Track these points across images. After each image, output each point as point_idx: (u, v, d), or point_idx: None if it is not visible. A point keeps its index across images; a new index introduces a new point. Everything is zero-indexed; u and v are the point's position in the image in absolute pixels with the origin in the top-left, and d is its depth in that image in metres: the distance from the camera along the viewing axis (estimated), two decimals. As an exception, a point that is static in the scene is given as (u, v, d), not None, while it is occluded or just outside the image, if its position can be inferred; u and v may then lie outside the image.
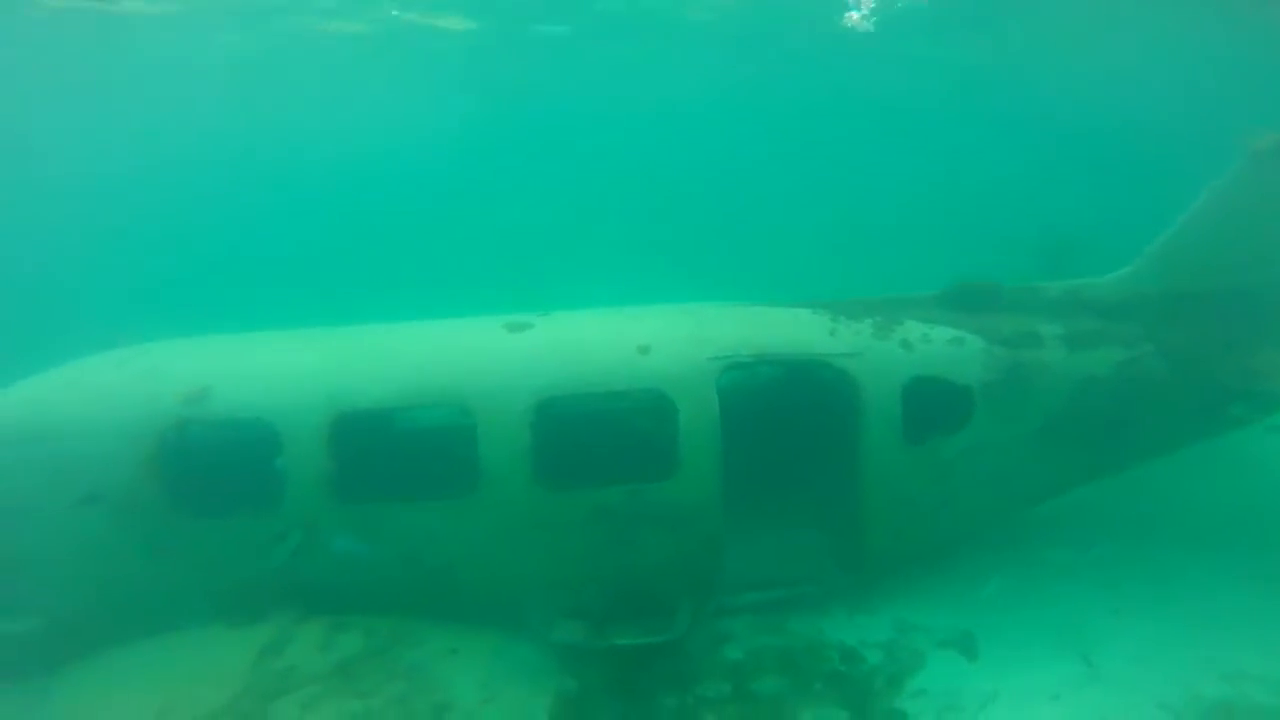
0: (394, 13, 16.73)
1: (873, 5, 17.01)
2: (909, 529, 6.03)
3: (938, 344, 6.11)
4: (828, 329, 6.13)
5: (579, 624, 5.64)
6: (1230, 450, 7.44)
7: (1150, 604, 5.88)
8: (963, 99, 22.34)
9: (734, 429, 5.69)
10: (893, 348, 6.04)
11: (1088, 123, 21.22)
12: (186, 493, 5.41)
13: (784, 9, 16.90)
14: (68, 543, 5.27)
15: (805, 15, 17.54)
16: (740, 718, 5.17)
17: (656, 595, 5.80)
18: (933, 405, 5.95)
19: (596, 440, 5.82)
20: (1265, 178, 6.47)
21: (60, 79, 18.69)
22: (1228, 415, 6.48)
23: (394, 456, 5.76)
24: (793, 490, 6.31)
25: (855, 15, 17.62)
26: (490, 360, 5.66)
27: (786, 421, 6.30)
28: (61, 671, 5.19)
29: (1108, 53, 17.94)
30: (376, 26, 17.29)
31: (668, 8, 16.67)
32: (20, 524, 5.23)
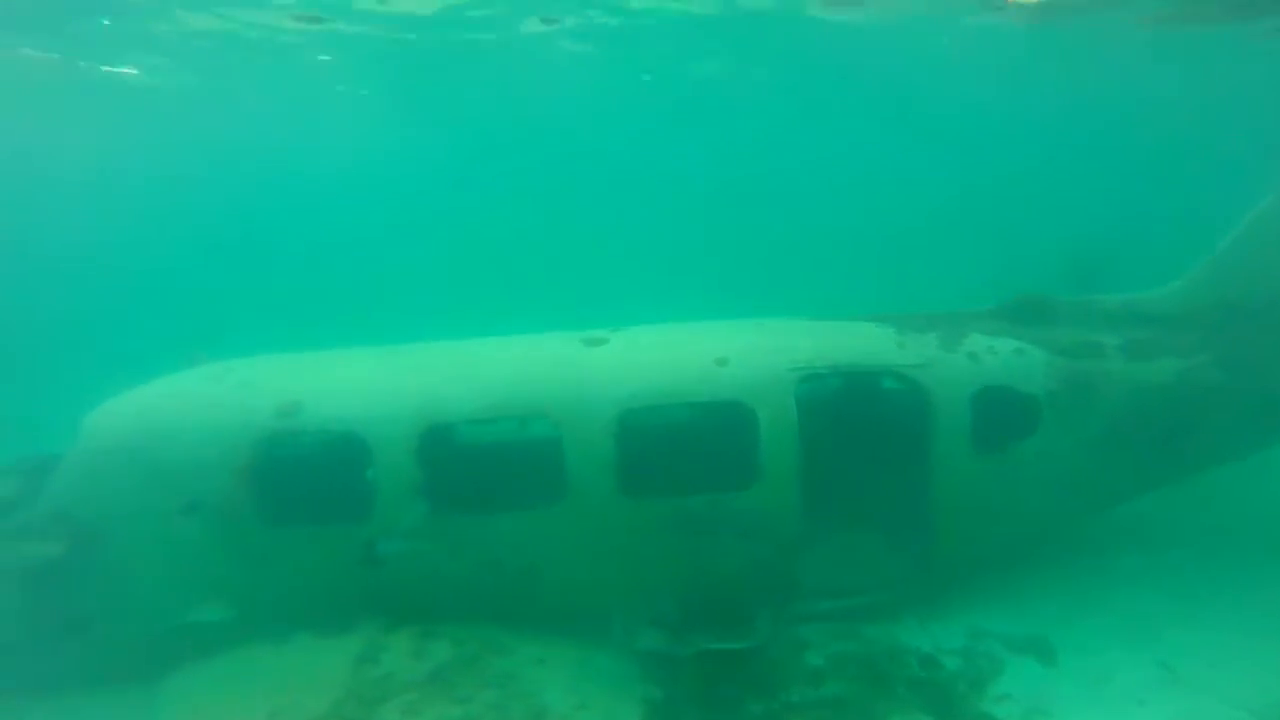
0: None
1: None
2: (978, 536, 6.13)
3: (1002, 355, 6.26)
4: (896, 341, 6.28)
5: (661, 632, 5.72)
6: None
7: (1223, 609, 5.96)
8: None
9: (810, 438, 5.82)
10: (960, 359, 6.19)
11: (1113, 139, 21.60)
12: (279, 503, 5.53)
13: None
14: (172, 548, 5.39)
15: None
16: (829, 722, 5.25)
17: (736, 603, 5.89)
18: (1000, 414, 6.08)
19: (678, 450, 5.94)
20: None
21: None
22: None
23: (481, 467, 5.87)
24: (865, 498, 6.42)
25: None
26: (573, 373, 5.79)
27: (860, 431, 6.42)
28: (166, 675, 5.28)
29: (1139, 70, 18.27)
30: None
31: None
32: (131, 528, 5.34)
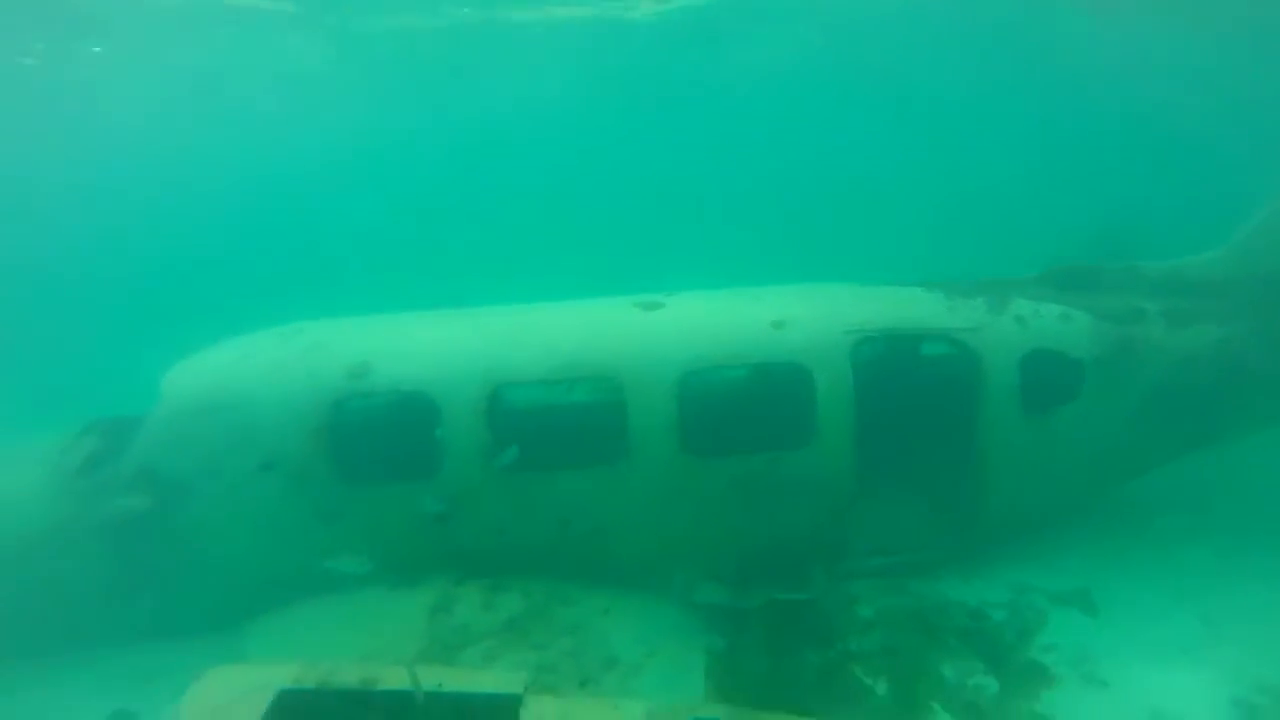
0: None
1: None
2: (1024, 497, 6.32)
3: (1048, 319, 6.39)
4: (945, 306, 6.41)
5: (720, 586, 5.94)
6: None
7: (1262, 567, 6.18)
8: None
9: (864, 399, 5.98)
10: (1008, 323, 6.32)
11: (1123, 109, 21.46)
12: (351, 461, 5.70)
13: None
14: (249, 504, 5.57)
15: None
16: (887, 670, 5.47)
17: (791, 558, 6.10)
18: (1047, 377, 6.24)
19: (737, 410, 6.11)
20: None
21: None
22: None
23: (547, 427, 6.04)
24: (915, 458, 6.60)
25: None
26: (635, 336, 5.93)
27: (912, 392, 6.59)
28: (246, 626, 5.50)
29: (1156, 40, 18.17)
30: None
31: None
32: (211, 484, 5.53)
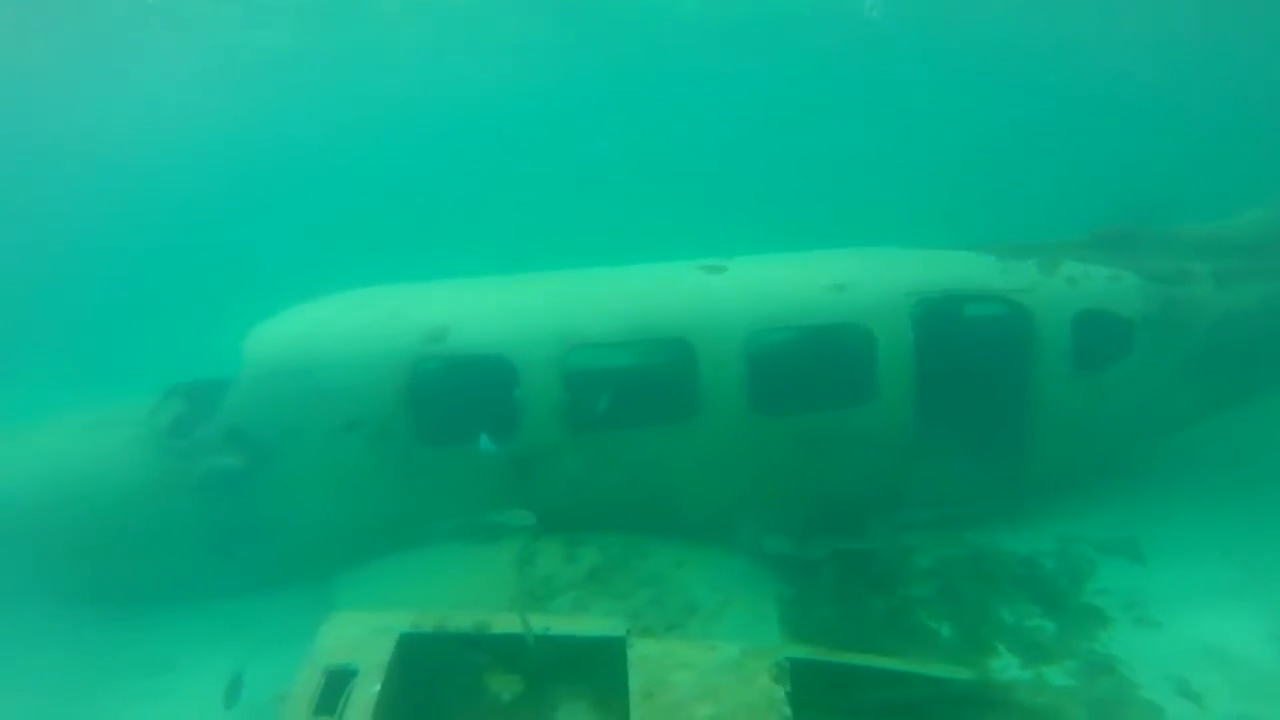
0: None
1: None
2: (1074, 452, 6.57)
3: (1099, 280, 6.57)
4: (998, 267, 6.58)
5: (786, 537, 6.20)
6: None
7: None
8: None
9: (923, 358, 6.19)
10: (1060, 283, 6.50)
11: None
12: (431, 422, 5.89)
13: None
14: (334, 463, 5.78)
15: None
16: (949, 614, 5.76)
17: (851, 511, 6.36)
18: (1098, 336, 6.45)
19: (802, 370, 6.31)
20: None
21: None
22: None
23: (620, 386, 6.22)
24: (971, 415, 6.83)
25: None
26: (703, 297, 6.10)
27: (968, 351, 6.79)
28: (332, 579, 5.74)
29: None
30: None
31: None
32: (298, 444, 5.72)
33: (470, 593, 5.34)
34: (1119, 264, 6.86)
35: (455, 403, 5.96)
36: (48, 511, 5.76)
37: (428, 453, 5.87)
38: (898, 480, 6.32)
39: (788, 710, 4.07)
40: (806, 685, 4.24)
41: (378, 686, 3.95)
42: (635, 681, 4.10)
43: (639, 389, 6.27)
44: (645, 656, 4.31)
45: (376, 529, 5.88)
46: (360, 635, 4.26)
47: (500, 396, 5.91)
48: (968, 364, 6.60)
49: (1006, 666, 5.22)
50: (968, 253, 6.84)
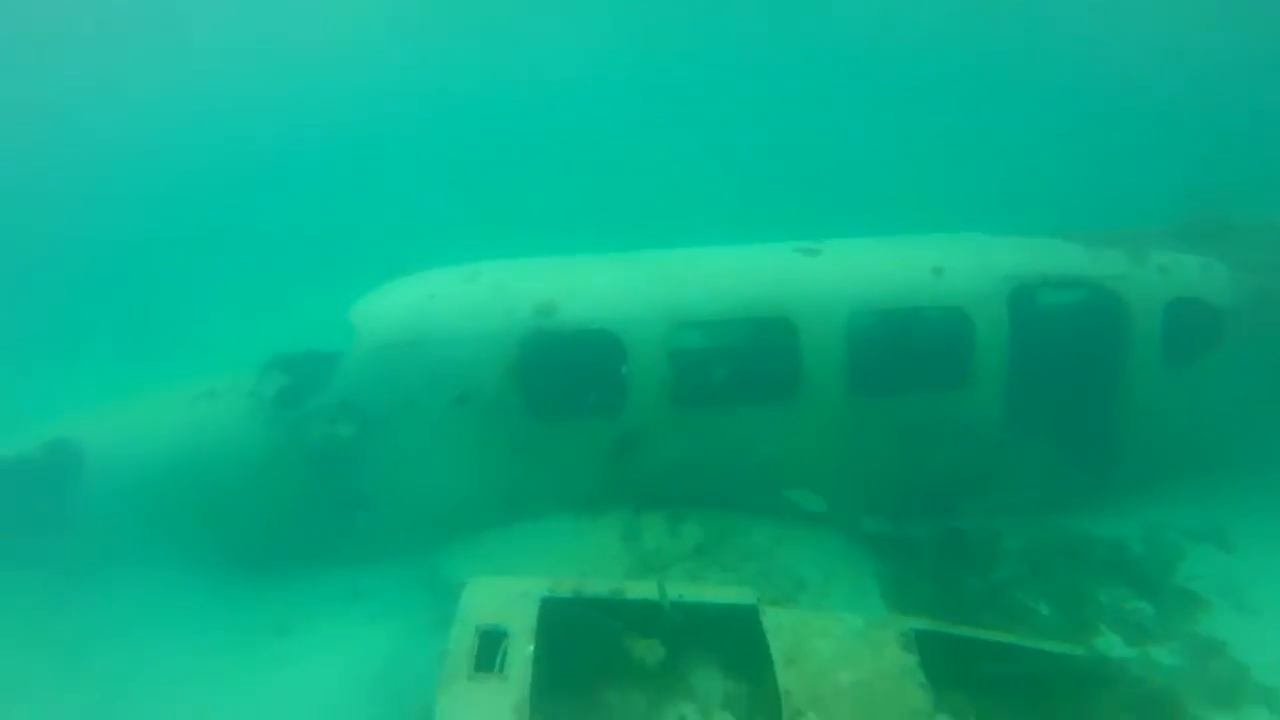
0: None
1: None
2: (1163, 441, 6.64)
3: (1190, 269, 6.63)
4: (1088, 255, 6.65)
5: (881, 516, 6.30)
6: None
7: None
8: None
9: (1017, 344, 6.26)
10: (1150, 272, 6.56)
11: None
12: (541, 396, 5.99)
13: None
14: (446, 436, 5.89)
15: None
16: (1045, 594, 5.85)
17: (943, 492, 6.45)
18: (1189, 326, 6.51)
19: (900, 352, 6.38)
20: None
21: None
22: None
23: (723, 364, 6.32)
24: (1062, 401, 6.90)
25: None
26: (804, 279, 6.18)
27: (1061, 337, 6.86)
28: (442, 550, 5.86)
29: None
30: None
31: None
32: (409, 416, 5.83)
33: (582, 565, 5.44)
34: (1209, 253, 6.93)
35: (563, 377, 6.05)
36: (171, 479, 5.93)
37: (537, 427, 5.98)
38: (989, 463, 6.41)
39: (923, 678, 4.18)
40: (926, 657, 4.35)
41: (531, 646, 4.07)
42: (776, 648, 4.21)
43: (741, 368, 6.36)
44: (780, 624, 4.42)
45: (485, 502, 6.01)
46: (504, 599, 4.38)
47: (608, 372, 6.01)
48: (1059, 350, 6.67)
49: (1112, 645, 5.32)
50: (1054, 240, 6.90)
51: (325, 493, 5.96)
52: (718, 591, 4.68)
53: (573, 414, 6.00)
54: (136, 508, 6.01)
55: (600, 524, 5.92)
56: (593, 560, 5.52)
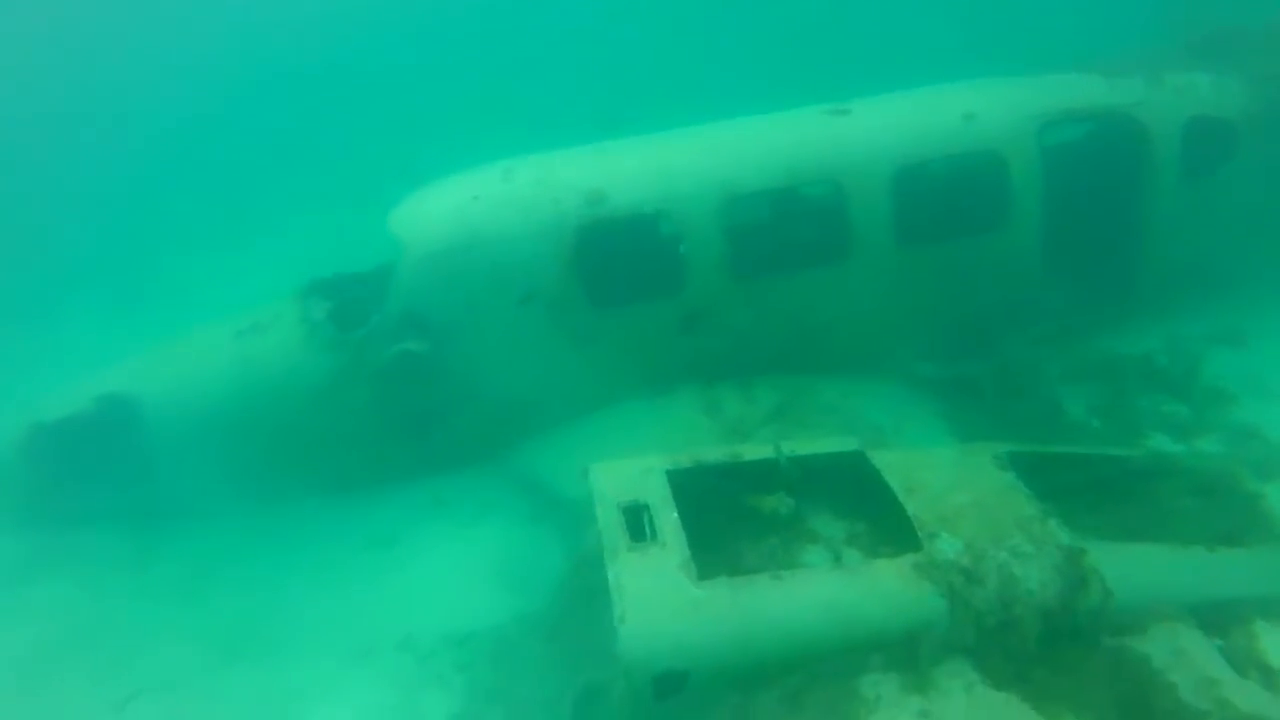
0: None
1: None
2: (1183, 258, 7.01)
3: (1203, 86, 6.81)
4: (1106, 85, 6.76)
5: (935, 361, 6.61)
6: None
7: None
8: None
9: (1050, 180, 6.44)
10: (1167, 94, 6.72)
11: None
12: (603, 285, 5.99)
13: None
14: (513, 337, 5.90)
15: None
16: (1094, 410, 6.31)
17: (988, 330, 6.77)
18: (1206, 141, 6.75)
19: (942, 200, 6.51)
20: None
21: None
22: None
23: (778, 232, 6.37)
24: (1091, 231, 7.18)
25: None
26: (844, 139, 6.16)
27: (1088, 169, 7.06)
28: (521, 448, 6.00)
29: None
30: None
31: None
32: (477, 322, 5.80)
33: (674, 442, 5.63)
34: (1218, 68, 7.09)
35: (621, 264, 6.04)
36: (239, 418, 5.86)
37: (601, 315, 6.02)
38: (1029, 297, 6.72)
39: (1026, 490, 4.57)
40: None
41: (675, 514, 4.28)
42: (894, 481, 4.52)
43: (794, 234, 6.43)
44: (888, 463, 4.72)
45: (558, 396, 6.10)
46: (631, 477, 4.55)
47: (664, 253, 6.02)
48: (1087, 179, 6.89)
49: (1162, 444, 5.84)
50: (1073, 74, 6.97)
51: (398, 409, 5.97)
52: (824, 442, 4.93)
53: (635, 299, 6.04)
54: (207, 451, 5.95)
55: (676, 402, 6.09)
56: (683, 435, 5.72)
